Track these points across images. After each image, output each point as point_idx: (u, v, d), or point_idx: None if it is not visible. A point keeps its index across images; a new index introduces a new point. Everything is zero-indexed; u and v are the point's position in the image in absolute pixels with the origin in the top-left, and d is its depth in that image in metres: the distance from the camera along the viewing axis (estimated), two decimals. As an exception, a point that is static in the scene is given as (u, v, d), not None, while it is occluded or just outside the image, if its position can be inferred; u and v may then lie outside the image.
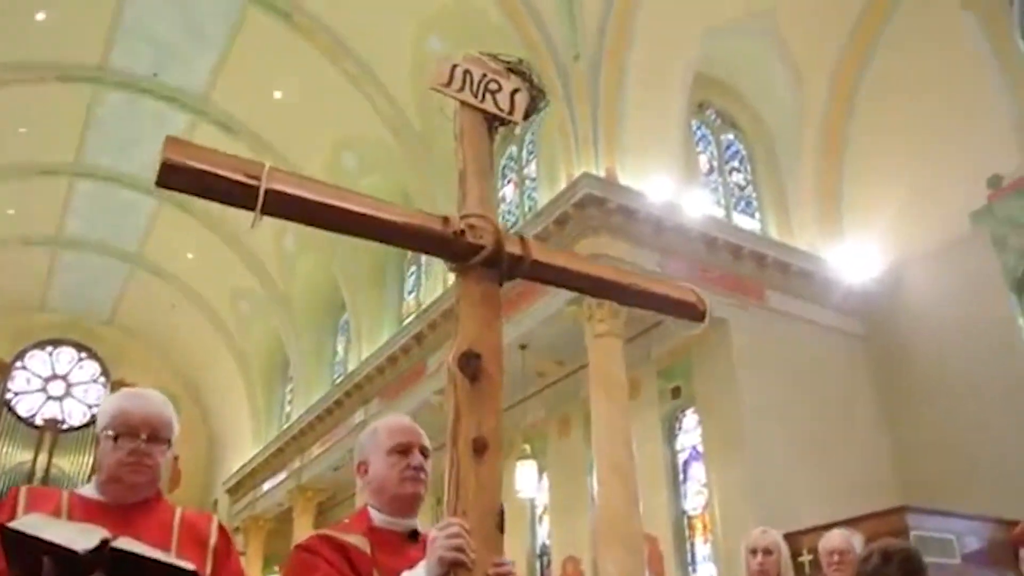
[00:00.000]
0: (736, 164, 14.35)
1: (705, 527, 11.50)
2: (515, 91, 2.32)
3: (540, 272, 2.21)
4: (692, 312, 2.49)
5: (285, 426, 21.20)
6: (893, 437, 12.32)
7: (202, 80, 16.72)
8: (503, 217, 14.89)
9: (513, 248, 2.12)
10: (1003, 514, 9.21)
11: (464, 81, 2.25)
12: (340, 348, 20.63)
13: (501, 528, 1.97)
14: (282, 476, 20.47)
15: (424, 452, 2.45)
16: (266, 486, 21.47)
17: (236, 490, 23.29)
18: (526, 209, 14.15)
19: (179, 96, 17.07)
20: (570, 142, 11.95)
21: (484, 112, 2.26)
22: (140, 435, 2.30)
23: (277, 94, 16.28)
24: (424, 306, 15.35)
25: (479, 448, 1.95)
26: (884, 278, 12.94)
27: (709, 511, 11.38)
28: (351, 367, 17.89)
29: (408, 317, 17.02)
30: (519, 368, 11.95)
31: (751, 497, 10.65)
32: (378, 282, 18.29)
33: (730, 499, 10.96)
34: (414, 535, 2.38)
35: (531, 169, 14.33)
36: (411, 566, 2.06)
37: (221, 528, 2.46)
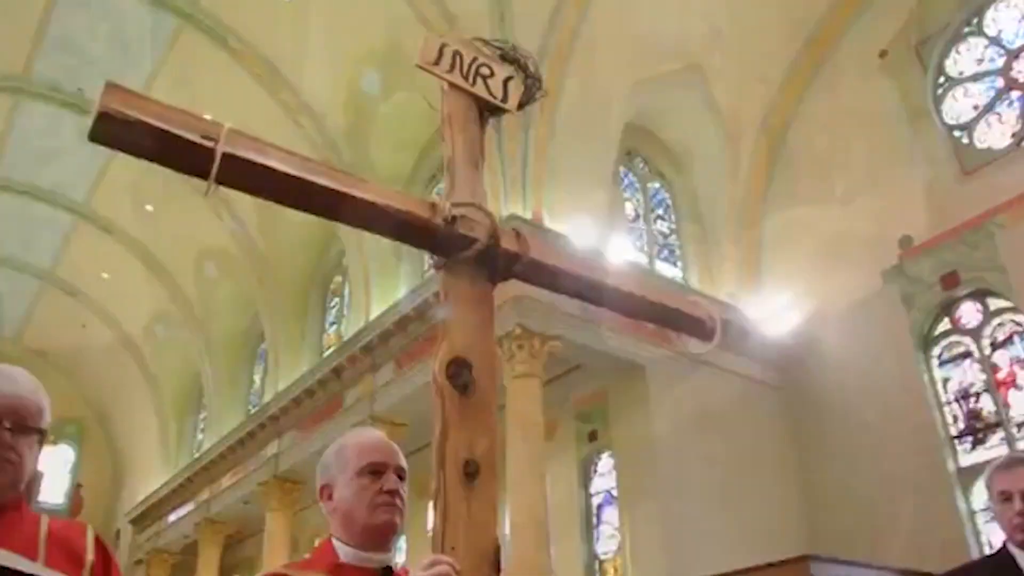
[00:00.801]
0: (661, 212, 14.61)
1: (617, 571, 11.52)
2: (508, 78, 2.13)
3: (536, 273, 2.00)
4: (700, 329, 2.27)
5: (196, 456, 20.64)
6: (803, 487, 12.55)
7: (129, 99, 16.37)
8: (429, 255, 14.87)
9: (509, 244, 1.91)
10: (907, 565, 9.43)
11: (454, 62, 2.06)
12: (257, 378, 20.24)
13: (497, 567, 1.75)
14: (189, 507, 19.88)
15: (400, 474, 2.06)
16: (172, 517, 20.82)
17: (140, 521, 22.52)
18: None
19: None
20: (498, 183, 12.03)
21: (475, 97, 2.07)
22: (2, 423, 1.83)
23: (207, 117, 16.02)
24: (345, 339, 15.19)
25: (470, 472, 1.72)
26: (799, 331, 13.25)
27: (621, 555, 11.41)
28: (267, 398, 17.55)
29: (328, 350, 16.81)
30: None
31: (663, 543, 10.72)
32: (299, 312, 18.03)
33: (642, 544, 11.01)
34: (387, 573, 2.03)
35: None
36: None
37: (99, 542, 1.98)
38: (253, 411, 18.37)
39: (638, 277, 2.40)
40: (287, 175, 1.65)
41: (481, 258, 1.87)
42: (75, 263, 21.12)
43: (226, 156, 1.56)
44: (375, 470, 2.04)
